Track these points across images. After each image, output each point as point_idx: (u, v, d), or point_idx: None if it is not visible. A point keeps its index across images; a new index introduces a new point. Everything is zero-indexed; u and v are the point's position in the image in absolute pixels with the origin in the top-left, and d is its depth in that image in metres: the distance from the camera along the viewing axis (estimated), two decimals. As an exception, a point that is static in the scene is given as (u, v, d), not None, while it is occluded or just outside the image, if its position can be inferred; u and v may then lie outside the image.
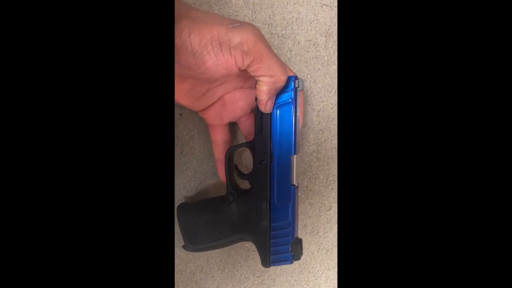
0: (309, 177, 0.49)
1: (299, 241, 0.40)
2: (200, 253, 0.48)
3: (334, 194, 0.50)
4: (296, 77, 0.37)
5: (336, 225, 0.51)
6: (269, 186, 0.39)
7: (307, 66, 0.45)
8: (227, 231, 0.41)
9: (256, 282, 0.50)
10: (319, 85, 0.46)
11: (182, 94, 0.37)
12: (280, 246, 0.39)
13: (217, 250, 0.48)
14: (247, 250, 0.49)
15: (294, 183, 0.39)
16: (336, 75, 0.46)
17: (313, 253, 0.52)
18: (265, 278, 0.51)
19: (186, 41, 0.31)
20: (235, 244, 0.48)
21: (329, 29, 0.45)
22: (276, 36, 0.44)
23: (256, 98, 0.37)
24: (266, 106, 0.37)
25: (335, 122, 0.48)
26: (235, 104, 0.40)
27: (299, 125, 0.40)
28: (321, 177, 0.49)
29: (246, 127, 0.41)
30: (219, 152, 0.42)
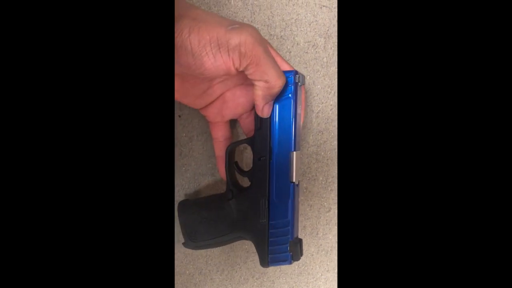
0: (308, 178, 0.49)
1: (299, 241, 0.39)
2: (199, 255, 0.48)
3: (333, 196, 0.50)
4: (296, 72, 0.37)
5: (336, 227, 0.51)
6: (268, 183, 0.38)
7: (306, 67, 0.45)
8: (226, 229, 0.40)
9: (255, 284, 0.50)
10: (318, 86, 0.46)
11: (183, 93, 0.37)
12: (278, 246, 0.39)
13: (216, 252, 0.48)
14: (246, 252, 0.49)
15: (294, 180, 0.38)
16: (335, 76, 0.46)
17: (313, 255, 0.51)
18: (264, 279, 0.51)
19: (186, 41, 0.31)
20: (234, 246, 0.48)
21: (328, 30, 0.45)
22: (275, 37, 0.44)
23: None
24: (263, 111, 0.37)
25: (335, 123, 0.48)
26: (236, 101, 0.39)
27: (301, 121, 0.39)
28: (321, 178, 0.49)
29: (247, 124, 0.41)
30: (220, 149, 0.41)
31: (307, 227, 0.50)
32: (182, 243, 0.42)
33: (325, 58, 0.46)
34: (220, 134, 0.41)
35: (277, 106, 0.37)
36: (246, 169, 0.43)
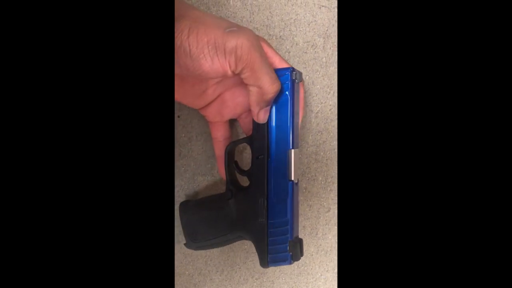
0: (307, 178, 0.49)
1: (299, 241, 0.38)
2: (199, 256, 0.47)
3: (333, 196, 0.50)
4: (292, 69, 0.36)
5: (335, 227, 0.51)
6: (266, 182, 0.38)
7: (306, 67, 0.45)
8: (226, 229, 0.40)
9: (255, 284, 0.50)
10: (318, 86, 0.46)
11: (182, 93, 0.37)
12: (278, 245, 0.38)
13: (216, 252, 0.48)
14: (246, 252, 0.49)
15: (293, 178, 0.38)
16: (335, 76, 0.46)
17: (312, 255, 0.51)
18: (264, 280, 0.51)
19: (184, 42, 0.31)
20: (234, 246, 0.48)
21: (327, 30, 0.45)
22: (274, 37, 0.44)
23: None
24: (258, 116, 0.37)
25: (334, 123, 0.48)
26: (235, 101, 0.39)
27: (299, 118, 0.39)
28: (320, 178, 0.49)
29: (247, 124, 0.41)
30: (220, 149, 0.41)
31: (307, 227, 0.50)
32: (184, 244, 0.42)
33: (324, 58, 0.46)
34: (220, 134, 0.41)
35: (274, 104, 0.37)
36: (246, 169, 0.43)
